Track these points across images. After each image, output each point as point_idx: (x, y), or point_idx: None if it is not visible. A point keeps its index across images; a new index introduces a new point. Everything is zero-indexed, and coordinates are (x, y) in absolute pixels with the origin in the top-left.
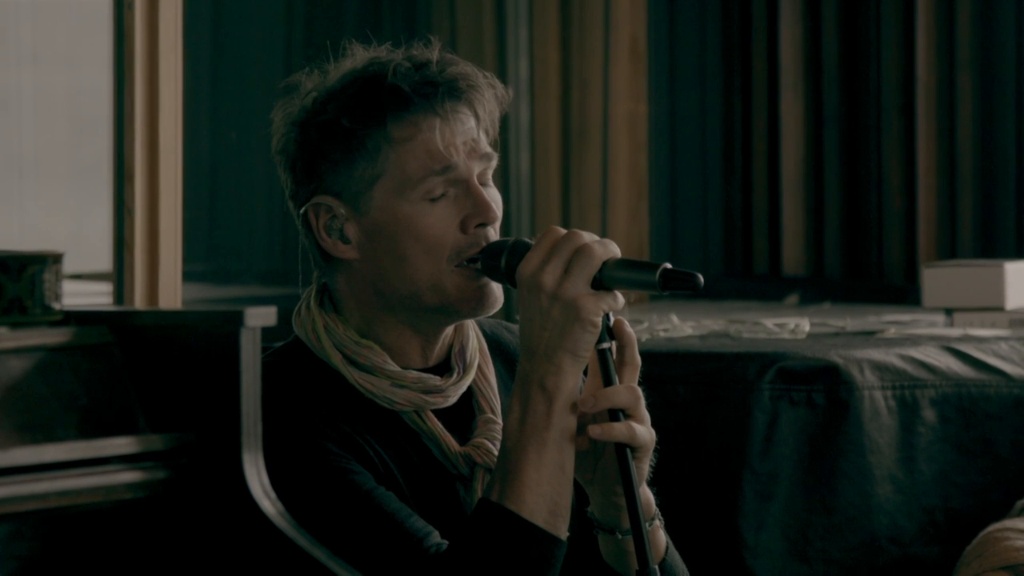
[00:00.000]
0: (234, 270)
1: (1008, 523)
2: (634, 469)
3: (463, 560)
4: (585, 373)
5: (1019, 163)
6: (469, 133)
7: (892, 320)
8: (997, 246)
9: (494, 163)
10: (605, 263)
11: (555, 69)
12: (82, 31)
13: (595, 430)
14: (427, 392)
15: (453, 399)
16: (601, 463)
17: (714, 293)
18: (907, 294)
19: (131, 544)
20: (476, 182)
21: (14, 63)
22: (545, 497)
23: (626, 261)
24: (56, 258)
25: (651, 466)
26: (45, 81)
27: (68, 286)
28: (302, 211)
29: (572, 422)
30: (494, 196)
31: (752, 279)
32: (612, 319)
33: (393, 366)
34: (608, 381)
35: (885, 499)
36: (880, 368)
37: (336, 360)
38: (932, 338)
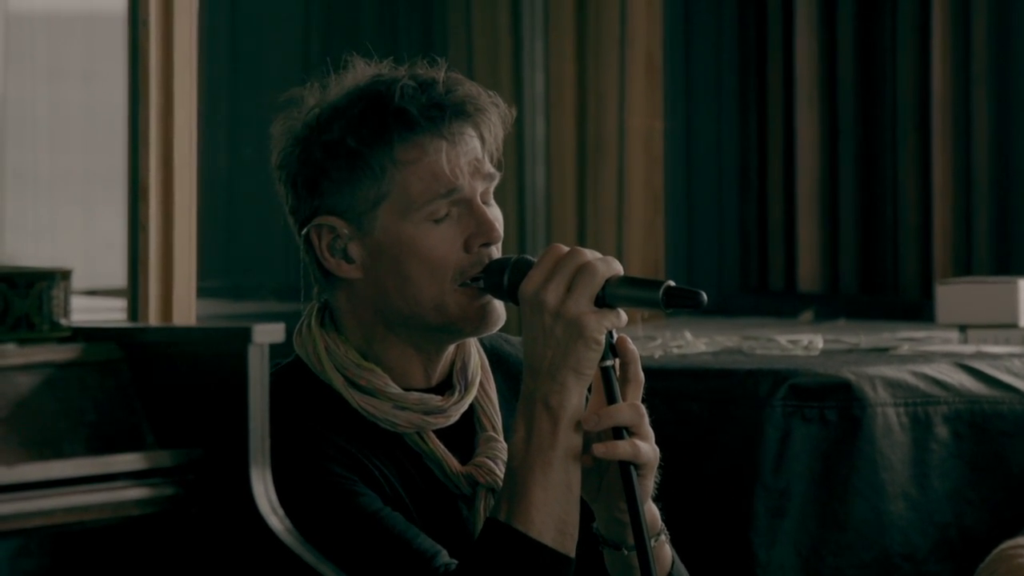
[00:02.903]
0: (249, 286)
1: (1021, 540)
2: (638, 486)
3: None
4: (589, 391)
5: None
6: (473, 153)
7: (906, 337)
8: (1013, 262)
9: (496, 182)
10: (608, 280)
11: (571, 84)
12: (97, 48)
13: (599, 448)
14: (428, 413)
15: (455, 418)
16: (606, 480)
17: (729, 309)
18: (922, 310)
19: (139, 560)
20: (479, 202)
21: (30, 79)
22: (553, 516)
23: (629, 279)
24: (65, 274)
25: (656, 482)
26: (60, 97)
27: (82, 302)
28: (304, 231)
29: (577, 440)
30: (496, 215)
31: (767, 295)
32: (616, 336)
33: (395, 388)
34: (611, 398)
35: (898, 516)
36: (893, 385)
37: (338, 383)
38: (945, 355)
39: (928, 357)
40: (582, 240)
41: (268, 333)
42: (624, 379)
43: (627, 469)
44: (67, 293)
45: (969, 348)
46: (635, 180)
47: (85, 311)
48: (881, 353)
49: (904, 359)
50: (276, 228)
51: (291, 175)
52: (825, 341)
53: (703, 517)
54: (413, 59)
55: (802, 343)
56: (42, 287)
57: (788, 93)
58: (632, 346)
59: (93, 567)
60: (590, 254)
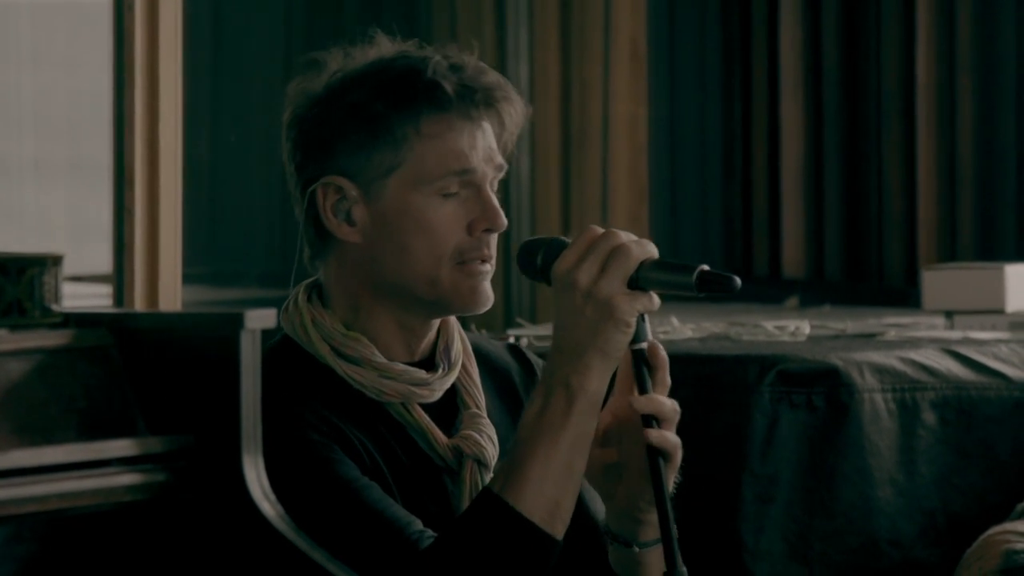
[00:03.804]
0: (234, 272)
1: (1008, 526)
2: (666, 476)
3: (452, 548)
4: (610, 391)
5: (1019, 165)
6: (490, 141)
7: (892, 323)
8: (997, 248)
9: (502, 174)
10: (642, 263)
11: (555, 72)
12: (82, 33)
13: (653, 434)
14: (414, 384)
15: (438, 394)
16: (626, 475)
17: (713, 295)
18: (907, 296)
19: (131, 546)
20: (488, 189)
21: (14, 65)
22: (547, 495)
23: (663, 262)
24: (56, 260)
25: (676, 482)
26: (45, 83)
27: (67, 288)
28: (311, 188)
29: (589, 425)
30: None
31: (752, 281)
32: (647, 319)
33: (380, 358)
34: (641, 381)
35: (885, 502)
36: (880, 371)
37: (324, 351)
38: (932, 341)
39: (915, 343)
40: (566, 227)
41: (260, 319)
42: (652, 381)
43: (657, 460)
44: (58, 279)
45: (956, 334)
46: (619, 168)
47: (70, 297)
48: (868, 339)
49: (891, 345)
50: (260, 215)
51: (304, 132)
52: (811, 327)
53: (691, 503)
54: (442, 42)
55: (789, 329)
56: (33, 273)
57: (773, 80)
58: (663, 353)
59: (85, 553)
60: (624, 236)
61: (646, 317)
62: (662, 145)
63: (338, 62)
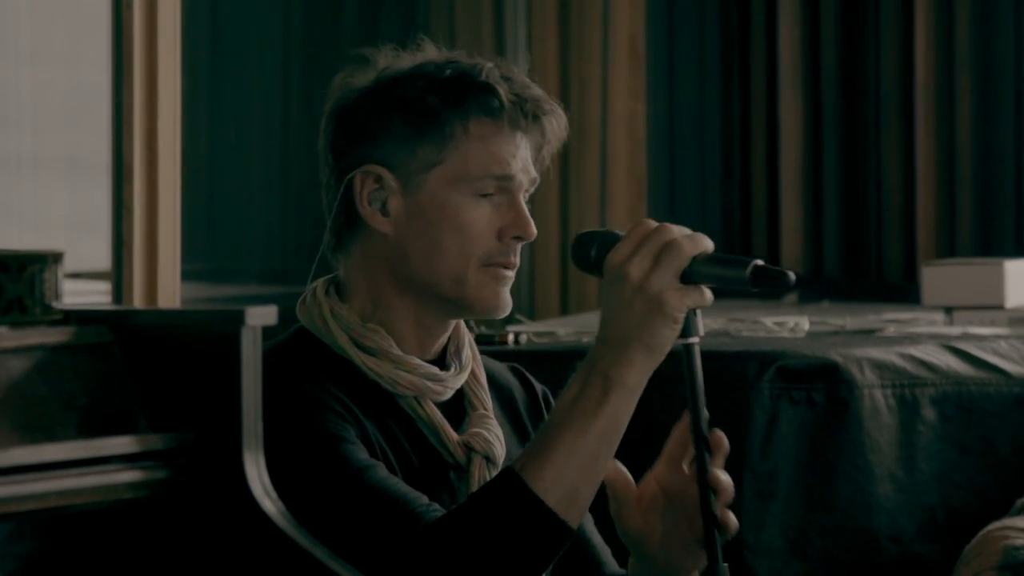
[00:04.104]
0: (232, 269)
1: (1008, 522)
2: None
3: (460, 522)
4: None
5: (1017, 162)
6: (530, 152)
7: (891, 318)
8: (996, 244)
9: (534, 188)
10: (695, 258)
11: (554, 68)
12: (80, 29)
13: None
14: (429, 379)
15: (450, 393)
16: (666, 543)
17: (713, 291)
18: (906, 292)
19: (131, 544)
20: (521, 199)
21: (12, 62)
22: (567, 481)
23: (717, 256)
24: (56, 257)
25: None
26: (43, 80)
27: (66, 285)
28: (350, 175)
29: (623, 419)
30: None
31: None
32: (699, 315)
33: (397, 350)
34: (691, 377)
35: (885, 498)
36: (880, 367)
37: (342, 340)
38: (932, 336)
39: (915, 339)
40: (564, 224)
41: (261, 316)
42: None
43: (713, 532)
44: (58, 276)
45: (955, 330)
46: (618, 164)
47: (68, 294)
48: (867, 335)
49: (891, 341)
50: (259, 211)
51: (347, 121)
52: (811, 323)
53: None
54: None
55: (788, 325)
56: (34, 270)
57: (771, 76)
58: (725, 442)
59: (86, 551)
60: (677, 231)
61: (698, 312)
62: (661, 141)
63: (387, 59)
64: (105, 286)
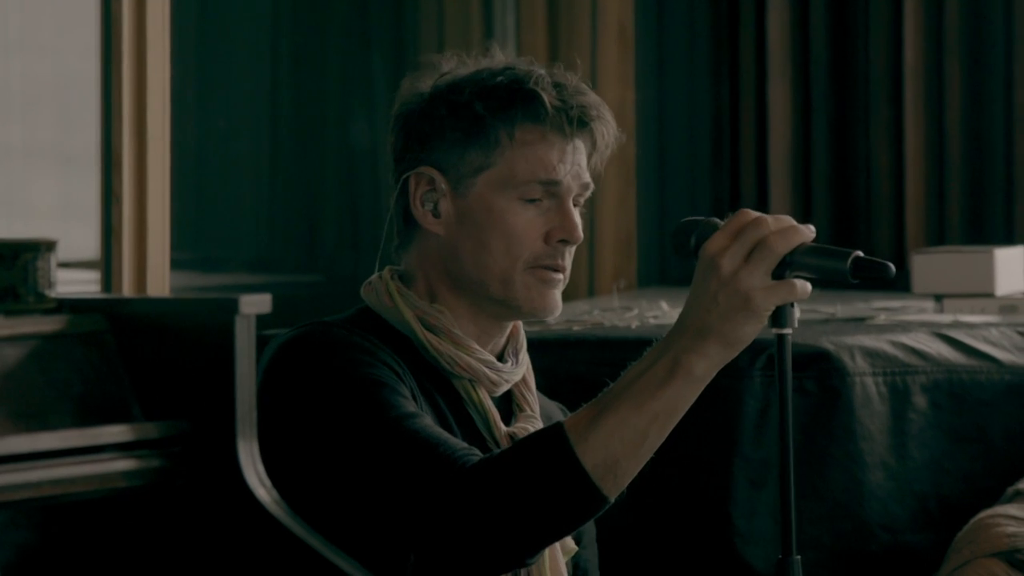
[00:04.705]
0: (221, 258)
1: (999, 509)
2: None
3: (496, 468)
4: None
5: (1007, 149)
6: (580, 159)
7: (881, 306)
8: (985, 232)
9: (588, 192)
10: (796, 248)
11: (542, 55)
12: (70, 19)
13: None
14: (487, 366)
15: (504, 387)
16: None
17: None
18: (896, 280)
19: (126, 532)
20: (570, 202)
21: (1, 52)
22: (610, 451)
23: (817, 247)
24: (49, 246)
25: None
26: (32, 69)
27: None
28: (405, 176)
29: (682, 405)
30: (579, 219)
31: None
32: (796, 307)
33: (460, 333)
34: (782, 366)
35: (876, 486)
36: (871, 354)
37: (408, 315)
38: (923, 324)
39: (906, 327)
40: None
41: (255, 304)
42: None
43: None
44: (52, 264)
45: (946, 317)
46: None
47: (58, 283)
48: (858, 323)
49: (882, 329)
50: (247, 200)
51: (407, 126)
52: (801, 311)
53: (682, 488)
54: (551, 63)
55: None
56: (27, 258)
57: (761, 64)
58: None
59: (81, 539)
60: (775, 224)
61: (795, 304)
62: (650, 128)
63: (450, 65)
64: (94, 275)
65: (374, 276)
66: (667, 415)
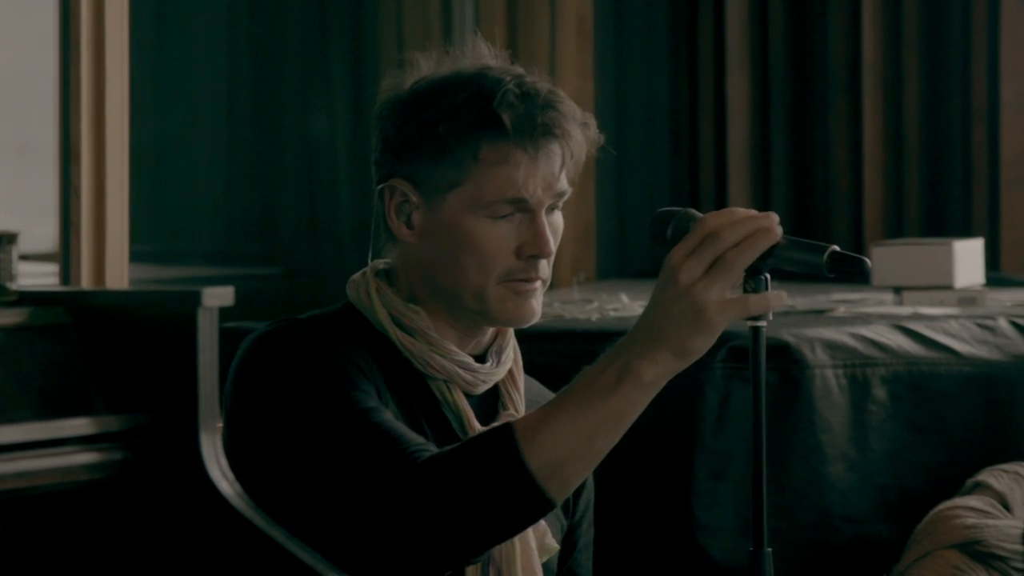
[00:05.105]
0: (179, 251)
1: (959, 501)
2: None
3: (443, 465)
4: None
5: (965, 141)
6: (551, 169)
7: (841, 299)
8: (943, 224)
9: (566, 196)
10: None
11: (501, 47)
12: (28, 12)
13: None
14: (461, 367)
15: (482, 388)
16: None
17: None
18: None
19: (89, 525)
20: (543, 216)
21: None
22: (555, 453)
23: (795, 241)
24: (10, 238)
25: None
26: None
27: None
28: (381, 187)
29: (631, 411)
30: (557, 223)
31: None
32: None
33: (435, 334)
34: (756, 358)
35: (837, 477)
36: (831, 347)
37: (383, 316)
38: (883, 316)
39: (865, 319)
40: None
41: (218, 297)
42: None
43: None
44: (12, 257)
45: (906, 310)
46: None
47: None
48: (818, 315)
49: (842, 321)
50: (206, 193)
51: (382, 132)
52: None
53: (643, 479)
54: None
55: None
56: None
57: (719, 55)
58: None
59: (43, 532)
60: (738, 237)
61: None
62: (609, 120)
63: (429, 66)
64: (52, 268)
65: (359, 273)
66: (615, 420)
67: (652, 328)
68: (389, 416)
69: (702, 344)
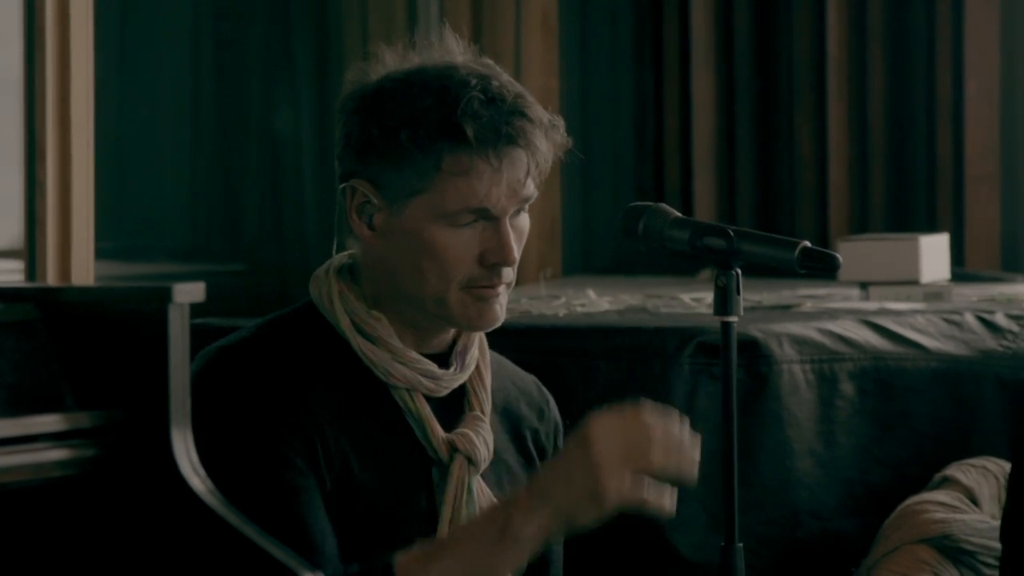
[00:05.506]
0: (144, 247)
1: (926, 496)
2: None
3: None
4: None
5: (929, 137)
6: (516, 175)
7: (807, 294)
8: (908, 219)
9: (531, 200)
10: (734, 233)
11: (466, 43)
12: None
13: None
14: (423, 375)
15: (445, 391)
16: None
17: (627, 268)
18: None
19: (61, 521)
20: (506, 224)
21: None
22: None
23: (764, 236)
24: None
25: None
26: None
27: None
28: (343, 186)
29: (507, 563)
30: (522, 225)
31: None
32: (740, 295)
33: (396, 342)
34: (727, 353)
35: (805, 473)
36: (799, 342)
37: (344, 324)
38: (849, 312)
39: (833, 314)
40: None
41: (189, 293)
42: None
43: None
44: None
45: (873, 305)
46: None
47: None
48: (785, 310)
49: (809, 316)
50: (170, 190)
51: (347, 129)
52: None
53: None
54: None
55: (706, 301)
56: None
57: (684, 52)
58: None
59: (13, 529)
60: (663, 454)
61: (740, 292)
62: (574, 117)
63: (394, 60)
64: (17, 264)
65: (322, 268)
66: (492, 571)
67: (547, 485)
68: (305, 501)
69: (590, 518)
